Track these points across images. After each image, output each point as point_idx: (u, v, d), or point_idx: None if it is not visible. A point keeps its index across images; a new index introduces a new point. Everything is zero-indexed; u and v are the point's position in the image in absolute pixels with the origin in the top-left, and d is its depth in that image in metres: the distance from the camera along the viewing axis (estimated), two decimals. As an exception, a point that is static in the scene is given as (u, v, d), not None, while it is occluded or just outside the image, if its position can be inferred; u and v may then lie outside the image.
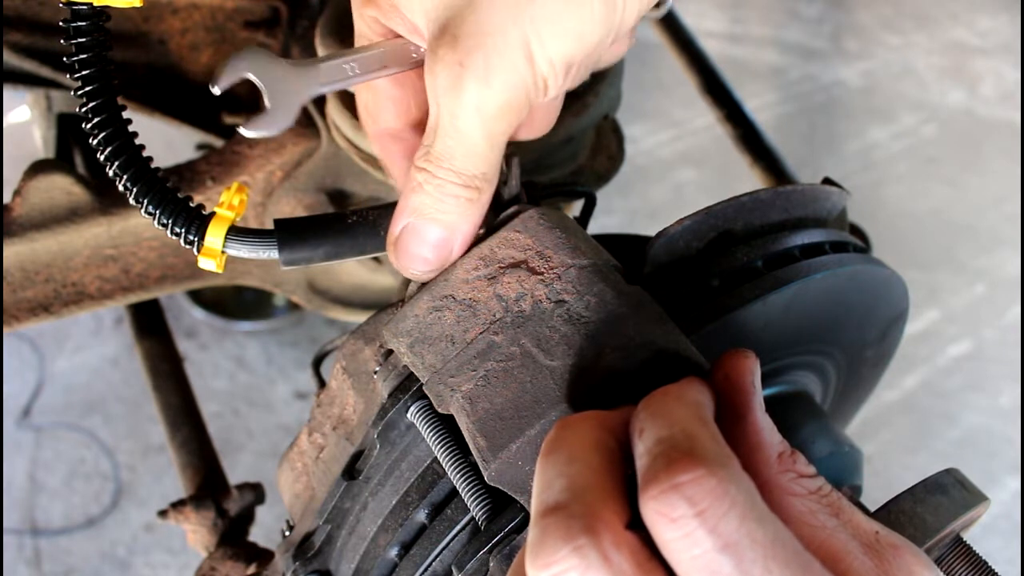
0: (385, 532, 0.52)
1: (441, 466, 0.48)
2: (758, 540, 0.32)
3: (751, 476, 0.35)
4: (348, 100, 0.81)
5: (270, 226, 0.51)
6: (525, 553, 0.34)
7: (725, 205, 0.53)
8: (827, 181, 0.60)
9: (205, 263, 0.50)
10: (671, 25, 1.28)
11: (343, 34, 0.80)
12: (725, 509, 0.32)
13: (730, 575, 0.31)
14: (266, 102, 0.47)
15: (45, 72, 1.02)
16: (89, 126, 0.50)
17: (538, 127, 0.54)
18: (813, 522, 0.36)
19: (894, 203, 2.58)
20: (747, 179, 1.14)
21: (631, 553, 0.33)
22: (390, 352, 0.53)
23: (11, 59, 1.01)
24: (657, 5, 0.52)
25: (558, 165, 0.83)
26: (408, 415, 0.50)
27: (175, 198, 0.50)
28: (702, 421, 0.36)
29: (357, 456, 0.54)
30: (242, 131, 0.47)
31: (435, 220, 0.48)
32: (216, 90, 0.48)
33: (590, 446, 0.36)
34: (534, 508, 0.35)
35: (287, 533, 0.60)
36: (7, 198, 0.86)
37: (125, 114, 0.51)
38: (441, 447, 0.47)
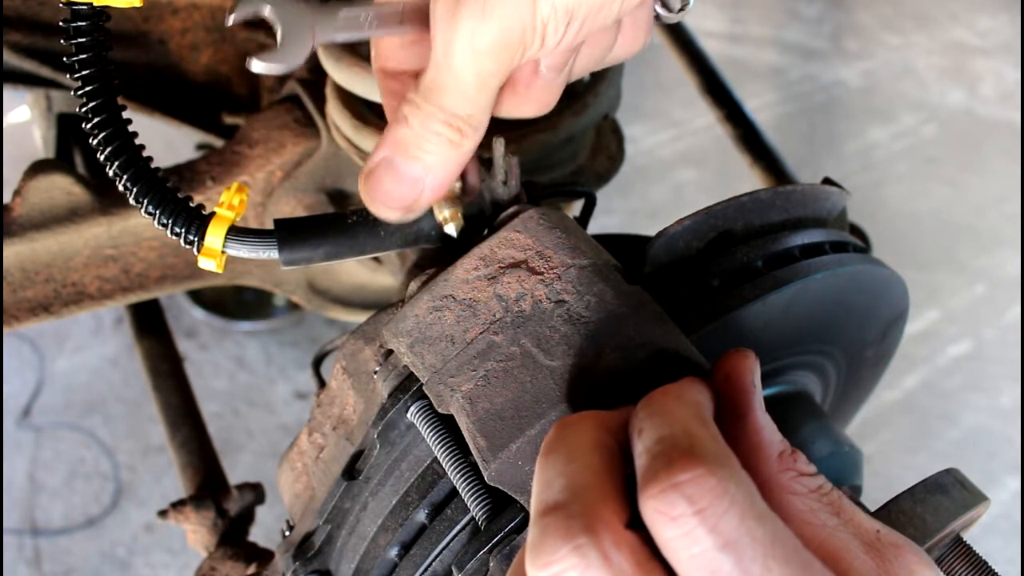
0: (385, 532, 0.52)
1: (441, 466, 0.48)
2: (758, 538, 0.32)
3: (751, 475, 0.35)
4: (348, 100, 0.81)
5: (270, 226, 0.51)
6: (525, 552, 0.34)
7: (725, 205, 0.53)
8: (827, 181, 0.60)
9: (205, 263, 0.50)
10: (671, 25, 1.28)
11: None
12: (725, 507, 0.32)
13: (730, 573, 0.31)
14: (279, 37, 0.47)
15: (45, 72, 1.02)
16: (89, 126, 0.50)
17: (533, 102, 0.52)
18: (813, 521, 0.36)
19: (894, 203, 2.57)
20: (747, 179, 1.14)
21: (631, 552, 0.33)
22: (390, 352, 0.53)
23: (11, 59, 1.01)
24: (681, 9, 0.51)
25: (558, 165, 0.83)
26: (408, 415, 0.50)
27: (175, 198, 0.50)
28: (702, 420, 0.36)
29: (357, 456, 0.54)
30: (251, 65, 0.47)
31: (413, 157, 0.47)
32: (229, 20, 0.47)
33: (589, 446, 0.36)
34: (533, 508, 0.35)
35: (287, 533, 0.60)
36: (7, 198, 0.86)
37: (125, 114, 0.51)
38: (441, 447, 0.47)
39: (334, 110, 0.83)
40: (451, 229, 0.52)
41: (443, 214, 0.52)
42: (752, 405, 0.40)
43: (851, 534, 0.36)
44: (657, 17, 0.51)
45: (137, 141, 0.51)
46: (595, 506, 0.34)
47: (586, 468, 0.35)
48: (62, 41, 0.49)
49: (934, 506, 0.43)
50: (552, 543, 0.33)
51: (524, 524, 0.44)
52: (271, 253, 0.51)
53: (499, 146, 0.52)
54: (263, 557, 0.87)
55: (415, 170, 0.47)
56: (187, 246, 0.50)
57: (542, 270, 0.46)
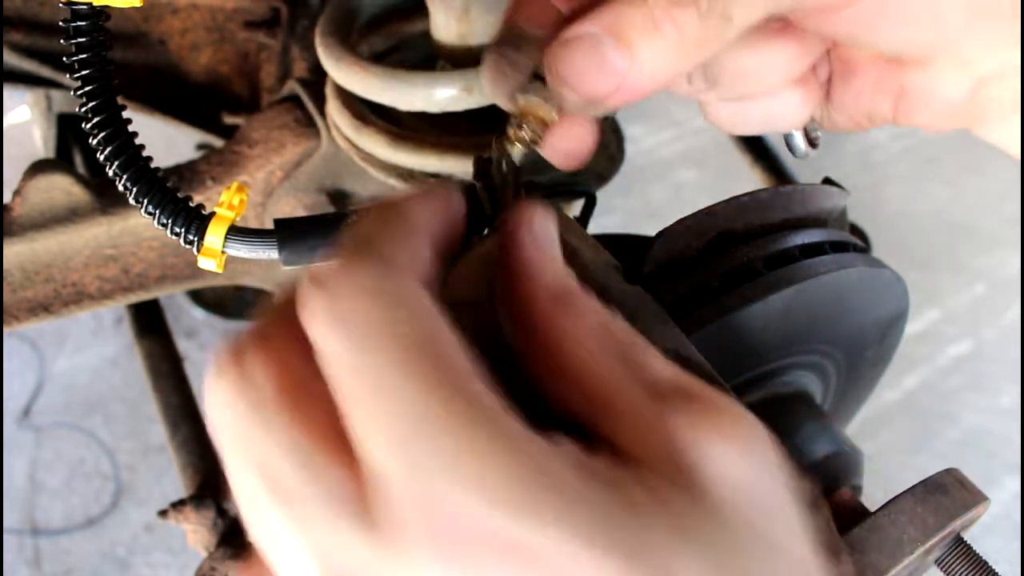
0: (385, 532, 0.52)
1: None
2: (376, 318, 0.27)
3: (518, 318, 0.31)
4: (348, 100, 0.81)
5: (270, 226, 0.51)
6: None
7: (725, 205, 0.53)
8: (827, 181, 0.60)
9: (205, 263, 0.50)
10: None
11: (343, 34, 0.80)
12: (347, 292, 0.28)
13: (332, 358, 0.26)
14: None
15: (45, 72, 1.03)
16: (89, 126, 0.50)
17: (576, 148, 0.45)
18: (590, 363, 0.29)
19: (894, 203, 2.57)
20: (747, 179, 1.14)
21: (272, 361, 0.29)
22: (390, 352, 0.53)
23: (11, 59, 1.01)
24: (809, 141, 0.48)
25: (558, 165, 0.83)
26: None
27: (175, 198, 0.50)
28: (399, 230, 0.31)
29: (357, 456, 0.54)
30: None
31: (626, 44, 0.36)
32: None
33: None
34: None
35: (287, 533, 0.60)
36: (7, 198, 0.86)
37: (125, 114, 0.51)
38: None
39: (334, 110, 0.83)
40: (517, 152, 0.45)
41: (524, 130, 0.43)
42: (523, 237, 0.34)
43: (636, 382, 0.29)
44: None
45: (137, 141, 0.51)
46: (256, 328, 0.31)
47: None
48: (62, 41, 0.49)
49: (934, 506, 0.43)
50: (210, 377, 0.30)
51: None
52: (271, 253, 0.51)
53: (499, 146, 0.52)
54: (263, 557, 0.87)
55: (620, 62, 0.37)
56: (187, 246, 0.50)
57: (542, 270, 0.46)
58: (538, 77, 0.41)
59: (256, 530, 0.29)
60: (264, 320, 0.31)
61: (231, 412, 0.29)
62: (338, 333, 0.27)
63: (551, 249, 0.34)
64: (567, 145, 0.44)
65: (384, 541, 0.24)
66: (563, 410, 0.29)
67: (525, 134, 0.44)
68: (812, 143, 0.50)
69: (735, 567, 0.25)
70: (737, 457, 0.27)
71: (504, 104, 0.43)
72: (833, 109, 0.47)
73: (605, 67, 0.37)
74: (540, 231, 0.35)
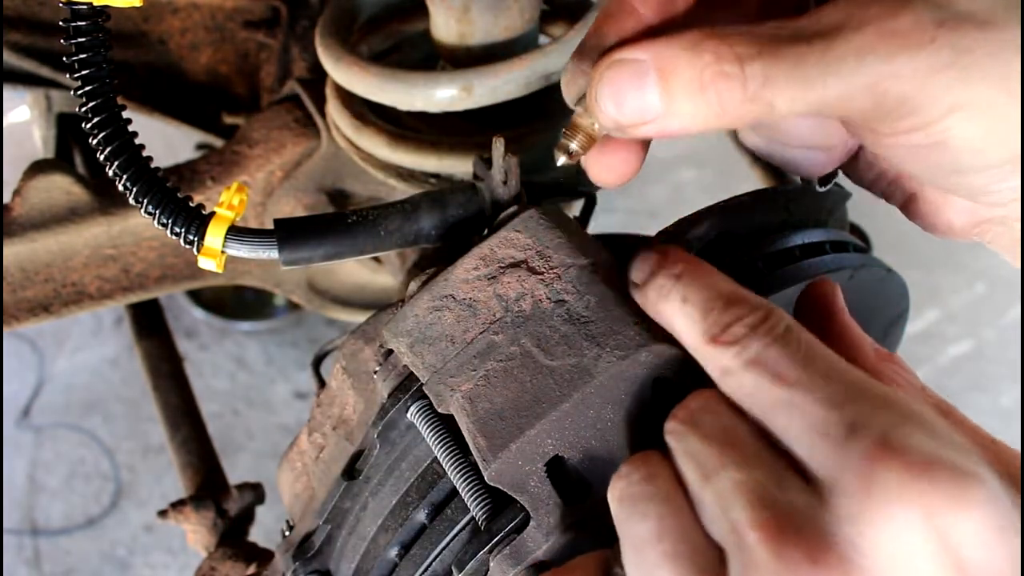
0: (385, 532, 0.52)
1: (441, 466, 0.48)
2: (804, 341, 0.35)
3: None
4: (348, 100, 0.81)
5: (270, 226, 0.51)
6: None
7: (725, 205, 0.53)
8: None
9: (205, 263, 0.50)
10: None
11: (343, 34, 0.80)
12: (777, 327, 0.36)
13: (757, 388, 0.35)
14: None
15: (45, 72, 1.03)
16: (89, 126, 0.49)
17: (617, 167, 0.45)
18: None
19: (894, 203, 2.57)
20: (747, 179, 1.14)
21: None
22: (390, 352, 0.53)
23: (11, 59, 1.01)
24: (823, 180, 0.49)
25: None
26: (408, 415, 0.50)
27: (175, 198, 0.50)
28: (731, 281, 0.39)
29: (357, 456, 0.54)
30: None
31: (671, 90, 0.37)
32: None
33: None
34: None
35: (287, 533, 0.60)
36: (7, 198, 0.86)
37: (125, 114, 0.50)
38: (441, 447, 0.47)
39: (334, 110, 0.83)
40: (562, 159, 0.44)
41: (571, 140, 0.43)
42: (839, 306, 0.42)
43: (961, 434, 0.33)
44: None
45: (137, 141, 0.51)
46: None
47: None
48: (62, 41, 0.48)
49: (934, 506, 0.43)
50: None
51: (524, 524, 0.44)
52: (271, 253, 0.51)
53: (499, 146, 0.52)
54: (263, 557, 0.87)
55: (657, 102, 0.37)
56: (187, 246, 0.50)
57: (542, 270, 0.46)
58: None
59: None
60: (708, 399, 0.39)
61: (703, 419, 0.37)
62: (779, 344, 0.36)
63: (851, 321, 0.42)
64: (610, 162, 0.45)
65: (833, 492, 0.32)
66: None
67: (571, 144, 0.44)
68: (824, 181, 0.51)
69: None
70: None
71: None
72: (855, 172, 0.49)
73: (642, 100, 0.38)
74: (843, 299, 0.43)
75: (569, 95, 0.43)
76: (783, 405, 0.34)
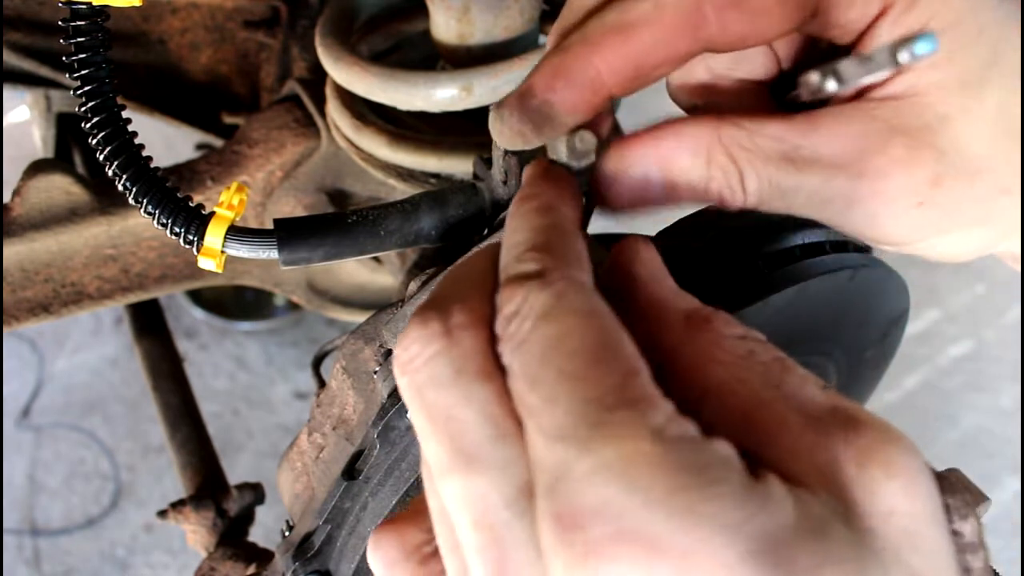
0: (385, 532, 0.52)
1: (441, 466, 0.48)
2: (541, 344, 0.29)
3: (653, 346, 0.31)
4: (348, 100, 0.81)
5: (270, 226, 0.51)
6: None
7: (725, 205, 0.53)
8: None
9: (205, 263, 0.50)
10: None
11: (343, 34, 0.80)
12: (524, 322, 0.30)
13: (515, 365, 0.29)
14: None
15: (44, 72, 1.02)
16: (88, 126, 0.49)
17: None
18: (738, 389, 0.29)
19: (894, 203, 2.57)
20: (747, 179, 1.14)
21: (480, 336, 0.31)
22: (390, 352, 0.52)
23: (11, 59, 1.01)
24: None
25: (558, 165, 0.83)
26: (408, 415, 0.50)
27: (174, 198, 0.50)
28: (551, 227, 0.33)
29: (357, 456, 0.54)
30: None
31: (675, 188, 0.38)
32: None
33: (475, 261, 0.35)
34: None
35: (287, 533, 0.60)
36: (7, 198, 0.86)
37: (124, 114, 0.50)
38: (441, 447, 0.47)
39: (334, 110, 0.83)
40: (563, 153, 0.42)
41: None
42: (637, 273, 0.34)
43: (791, 407, 0.29)
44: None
45: (137, 141, 0.51)
46: (458, 297, 0.32)
47: (468, 271, 0.34)
48: (61, 40, 0.48)
49: (935, 506, 0.43)
50: (411, 325, 0.32)
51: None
52: (271, 253, 0.50)
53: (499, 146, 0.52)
54: (263, 557, 0.87)
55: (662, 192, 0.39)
56: (186, 246, 0.50)
57: (542, 270, 0.46)
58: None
59: (427, 486, 0.31)
60: (465, 287, 0.32)
61: (432, 370, 0.30)
62: (544, 329, 0.29)
63: (665, 277, 0.35)
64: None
65: (538, 527, 0.26)
66: (709, 429, 0.28)
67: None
68: None
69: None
70: (899, 492, 0.27)
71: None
72: None
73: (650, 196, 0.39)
74: (650, 261, 0.35)
75: (503, 143, 0.40)
76: (525, 424, 0.29)
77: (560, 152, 0.39)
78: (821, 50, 0.42)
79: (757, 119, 0.37)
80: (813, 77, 0.35)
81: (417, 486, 0.50)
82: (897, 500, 0.26)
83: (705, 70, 0.41)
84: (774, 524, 0.24)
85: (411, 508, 0.35)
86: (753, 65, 0.41)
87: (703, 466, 0.25)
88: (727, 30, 0.35)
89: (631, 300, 0.33)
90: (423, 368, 0.31)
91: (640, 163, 0.38)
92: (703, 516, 0.24)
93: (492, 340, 0.31)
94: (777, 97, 0.42)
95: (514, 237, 0.33)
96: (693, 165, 0.37)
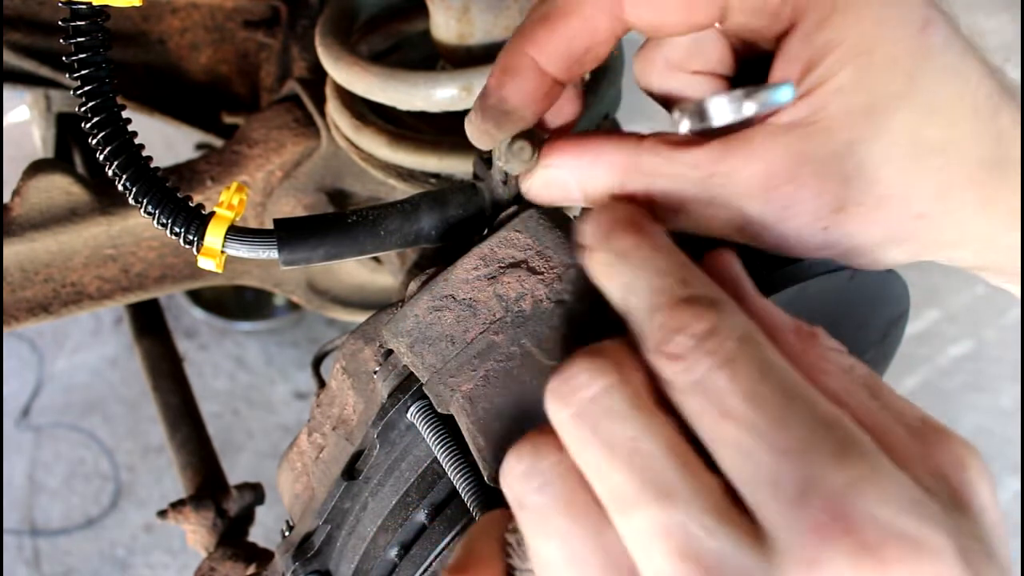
0: (385, 532, 0.51)
1: (441, 466, 0.48)
2: (763, 366, 0.30)
3: None
4: (348, 99, 0.81)
5: (270, 226, 0.51)
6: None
7: (725, 205, 0.53)
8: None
9: (204, 263, 0.50)
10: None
11: (343, 34, 0.80)
12: (723, 339, 0.31)
13: (727, 390, 0.30)
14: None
15: (44, 71, 1.03)
16: (88, 126, 0.49)
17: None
18: (849, 401, 0.32)
19: (894, 203, 2.57)
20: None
21: (645, 374, 0.32)
22: (390, 352, 0.52)
23: (11, 59, 1.01)
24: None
25: (558, 165, 0.83)
26: (408, 415, 0.50)
27: (174, 198, 0.50)
28: (685, 262, 0.34)
29: (357, 456, 0.54)
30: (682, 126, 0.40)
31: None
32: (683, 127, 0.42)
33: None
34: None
35: (287, 533, 0.60)
36: (7, 198, 0.86)
37: (124, 114, 0.50)
38: (441, 447, 0.47)
39: (334, 110, 0.83)
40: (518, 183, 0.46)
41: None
42: (746, 288, 0.36)
43: (892, 417, 0.32)
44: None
45: (137, 141, 0.51)
46: (609, 345, 0.34)
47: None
48: (61, 40, 0.48)
49: (935, 506, 0.43)
50: (577, 358, 0.33)
51: (524, 524, 0.44)
52: (271, 253, 0.50)
53: (499, 146, 0.52)
54: (263, 557, 0.87)
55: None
56: (186, 246, 0.50)
57: (542, 270, 0.46)
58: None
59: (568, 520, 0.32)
60: (603, 352, 0.34)
61: (609, 402, 0.31)
62: (754, 350, 0.31)
63: (758, 292, 0.37)
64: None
65: (778, 552, 0.28)
66: None
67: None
68: None
69: (993, 559, 0.30)
70: (988, 493, 0.31)
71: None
72: None
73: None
74: (747, 276, 0.37)
75: (476, 143, 0.44)
76: (729, 444, 0.30)
77: (500, 157, 0.42)
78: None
79: (675, 145, 0.40)
80: (675, 115, 0.36)
81: (417, 487, 0.50)
82: (987, 499, 0.31)
83: (663, 61, 0.42)
84: (957, 526, 0.29)
85: (467, 554, 0.35)
86: (707, 58, 0.42)
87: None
88: (641, 19, 0.37)
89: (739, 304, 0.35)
90: (598, 399, 0.32)
91: (560, 173, 0.41)
92: (939, 522, 0.28)
93: (651, 381, 0.32)
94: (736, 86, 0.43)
95: (657, 265, 0.34)
96: (607, 184, 0.40)
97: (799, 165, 0.38)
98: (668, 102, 0.44)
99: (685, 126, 0.34)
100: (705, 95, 0.39)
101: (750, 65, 0.43)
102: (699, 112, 0.35)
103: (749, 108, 0.33)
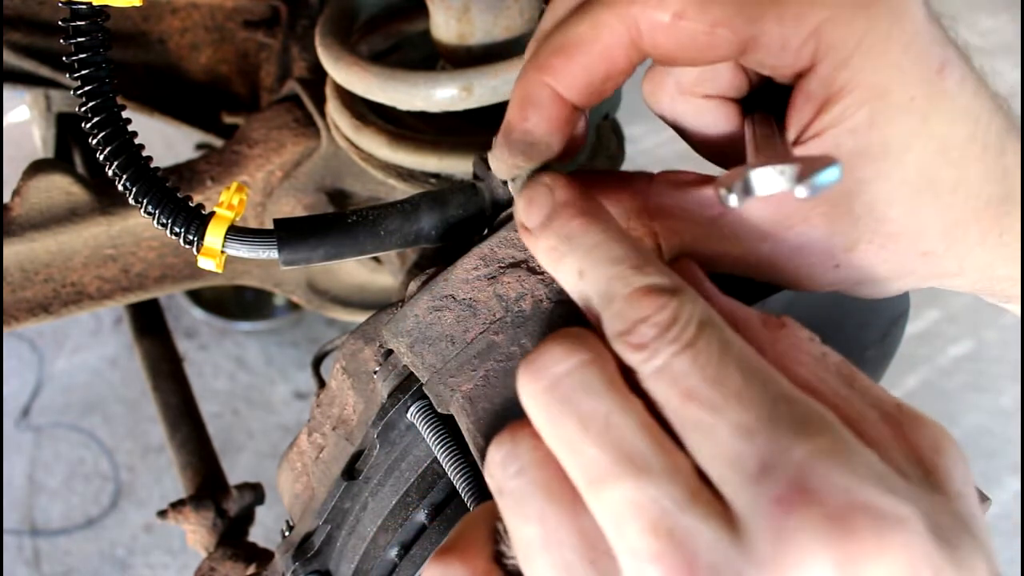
0: (385, 532, 0.51)
1: (441, 466, 0.48)
2: (725, 349, 0.31)
3: None
4: (348, 99, 0.81)
5: (270, 226, 0.51)
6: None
7: (725, 205, 0.53)
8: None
9: (204, 263, 0.50)
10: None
11: (343, 34, 0.80)
12: (688, 327, 0.31)
13: (690, 373, 0.30)
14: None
15: (44, 71, 1.03)
16: (88, 125, 0.49)
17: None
18: (823, 388, 0.32)
19: (894, 203, 2.57)
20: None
21: (614, 359, 0.33)
22: (390, 352, 0.52)
23: (11, 58, 1.01)
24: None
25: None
26: (408, 415, 0.50)
27: (174, 198, 0.50)
28: (635, 247, 0.34)
29: (357, 456, 0.54)
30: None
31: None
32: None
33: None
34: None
35: (287, 533, 0.60)
36: (7, 198, 0.86)
37: (124, 114, 0.50)
38: (441, 447, 0.47)
39: (334, 110, 0.83)
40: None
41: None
42: (708, 287, 0.37)
43: (867, 404, 0.32)
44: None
45: (137, 141, 0.51)
46: (575, 331, 0.34)
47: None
48: (61, 40, 0.48)
49: (935, 506, 0.43)
50: (552, 336, 0.33)
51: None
52: (271, 253, 0.50)
53: (499, 146, 0.52)
54: (263, 557, 0.87)
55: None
56: (186, 246, 0.50)
57: (542, 270, 0.46)
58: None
59: (538, 502, 0.32)
60: (576, 334, 0.34)
61: (584, 376, 0.32)
62: (714, 333, 0.31)
63: (726, 298, 0.37)
64: None
65: (746, 529, 0.28)
66: None
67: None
68: None
69: (970, 534, 0.30)
70: (962, 479, 0.31)
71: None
72: None
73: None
74: (707, 279, 0.38)
75: (505, 176, 0.43)
76: (693, 425, 0.30)
77: (515, 193, 0.42)
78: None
79: (684, 186, 0.40)
80: (720, 191, 0.35)
81: (417, 487, 0.50)
82: (961, 485, 0.31)
83: (675, 85, 0.42)
84: (931, 504, 0.29)
85: (458, 538, 0.36)
86: (719, 83, 0.42)
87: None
88: (660, 50, 0.37)
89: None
90: (572, 374, 0.32)
91: (570, 210, 0.40)
92: (905, 496, 0.28)
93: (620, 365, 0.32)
94: (748, 110, 0.43)
95: (610, 251, 0.34)
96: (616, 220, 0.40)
97: (811, 206, 0.38)
98: (677, 126, 0.44)
99: (735, 200, 0.34)
100: (711, 119, 0.41)
101: (761, 88, 0.43)
102: (745, 187, 0.34)
103: (801, 192, 0.32)
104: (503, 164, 0.42)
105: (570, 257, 0.35)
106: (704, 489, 0.30)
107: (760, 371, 0.30)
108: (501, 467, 0.34)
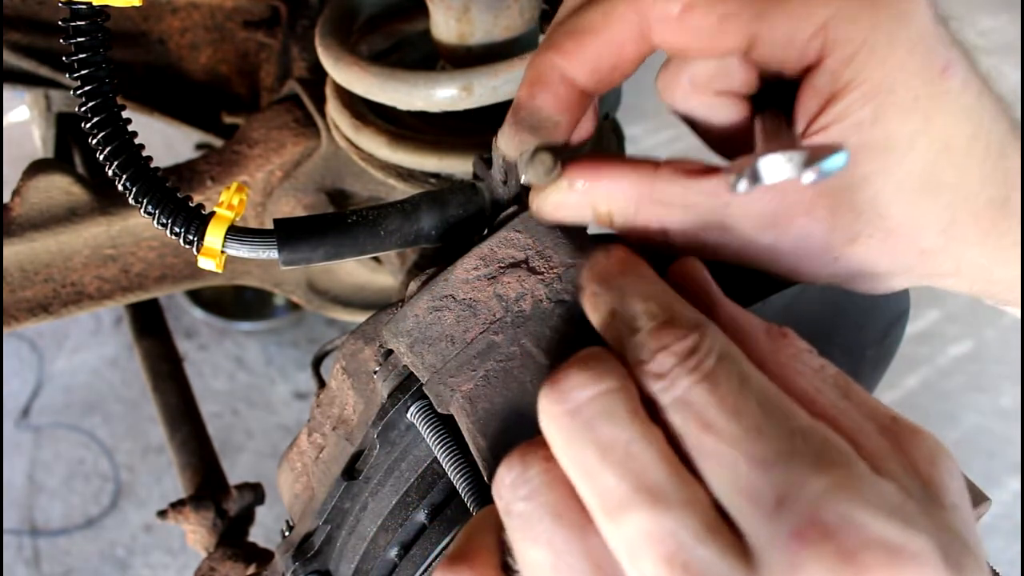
0: (385, 532, 0.51)
1: (441, 466, 0.48)
2: (744, 382, 0.31)
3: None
4: (348, 99, 0.81)
5: (270, 226, 0.51)
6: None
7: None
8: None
9: (204, 263, 0.50)
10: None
11: (343, 34, 0.80)
12: (705, 355, 0.32)
13: (709, 404, 0.31)
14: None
15: (44, 71, 1.02)
16: (88, 125, 0.49)
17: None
18: (821, 400, 0.33)
19: (894, 203, 2.57)
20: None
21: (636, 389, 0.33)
22: (390, 352, 0.52)
23: (11, 59, 1.01)
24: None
25: (558, 165, 0.83)
26: (408, 415, 0.50)
27: (174, 198, 0.50)
28: (667, 290, 0.35)
29: (357, 456, 0.54)
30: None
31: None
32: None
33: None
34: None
35: (287, 533, 0.60)
36: (6, 198, 0.86)
37: (124, 114, 0.50)
38: (441, 447, 0.47)
39: (334, 110, 0.83)
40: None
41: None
42: (715, 294, 0.37)
43: (863, 416, 0.33)
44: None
45: (137, 141, 0.51)
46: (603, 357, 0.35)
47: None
48: (61, 40, 0.48)
49: (935, 506, 0.43)
50: (576, 360, 0.34)
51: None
52: (271, 253, 0.50)
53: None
54: (263, 557, 0.87)
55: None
56: (186, 246, 0.50)
57: (542, 270, 0.46)
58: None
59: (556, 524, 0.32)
60: (602, 359, 0.34)
61: (606, 404, 0.32)
62: (733, 366, 0.32)
63: (732, 304, 0.38)
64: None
65: (761, 563, 0.28)
66: None
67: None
68: None
69: (969, 550, 0.29)
70: (959, 491, 0.32)
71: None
72: None
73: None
74: (714, 282, 0.38)
75: (511, 152, 0.44)
76: (711, 456, 0.30)
77: (522, 170, 0.43)
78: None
79: (690, 174, 0.40)
80: (729, 178, 0.36)
81: (417, 487, 0.50)
82: (956, 498, 0.31)
83: (688, 81, 0.43)
84: (934, 523, 0.29)
85: (465, 546, 0.36)
86: (731, 80, 0.42)
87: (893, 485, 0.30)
88: (668, 41, 0.38)
89: (713, 318, 0.36)
90: (596, 401, 0.32)
91: (574, 196, 0.42)
92: (919, 526, 0.28)
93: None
94: (758, 107, 0.43)
95: (637, 290, 0.35)
96: (622, 210, 0.41)
97: (814, 198, 0.39)
98: (690, 121, 0.45)
99: (744, 187, 0.34)
100: (722, 114, 0.41)
101: (772, 85, 0.43)
102: (753, 174, 0.35)
103: (808, 177, 0.33)
104: (511, 141, 0.43)
105: (606, 300, 0.37)
106: (720, 522, 0.30)
107: (778, 404, 0.31)
108: (511, 489, 0.34)
